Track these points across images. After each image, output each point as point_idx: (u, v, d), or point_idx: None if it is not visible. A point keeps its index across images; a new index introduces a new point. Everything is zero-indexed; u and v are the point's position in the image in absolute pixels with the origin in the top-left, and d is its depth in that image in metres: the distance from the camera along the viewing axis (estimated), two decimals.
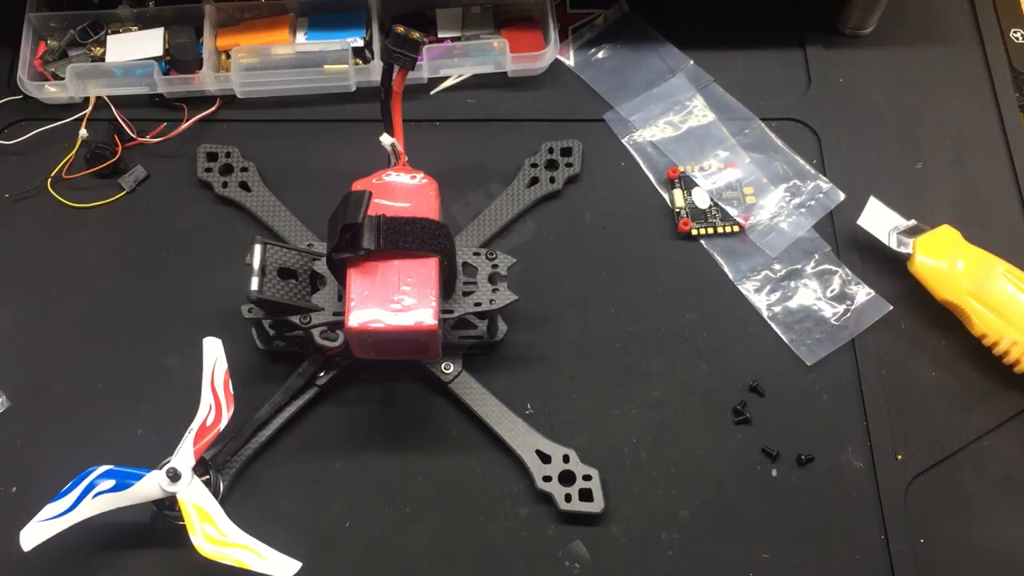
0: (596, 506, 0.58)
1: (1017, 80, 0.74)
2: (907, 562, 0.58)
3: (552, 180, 0.69)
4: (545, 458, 0.59)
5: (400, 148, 0.60)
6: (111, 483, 0.53)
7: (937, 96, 0.73)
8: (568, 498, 0.58)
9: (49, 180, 0.68)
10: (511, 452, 0.60)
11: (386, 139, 0.59)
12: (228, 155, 0.69)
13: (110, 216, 0.68)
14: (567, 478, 0.59)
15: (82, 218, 0.68)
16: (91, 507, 0.53)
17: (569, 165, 0.69)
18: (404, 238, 0.55)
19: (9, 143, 0.69)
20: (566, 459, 0.59)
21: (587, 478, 0.59)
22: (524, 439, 0.60)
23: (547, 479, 0.59)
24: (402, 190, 0.58)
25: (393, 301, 0.54)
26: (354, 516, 0.59)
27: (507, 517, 0.59)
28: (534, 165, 0.69)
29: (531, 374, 0.63)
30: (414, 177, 0.59)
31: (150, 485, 0.53)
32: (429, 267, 0.55)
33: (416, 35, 0.56)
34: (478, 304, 0.58)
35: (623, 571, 0.58)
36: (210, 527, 0.53)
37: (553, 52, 0.72)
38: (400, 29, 0.56)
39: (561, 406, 0.62)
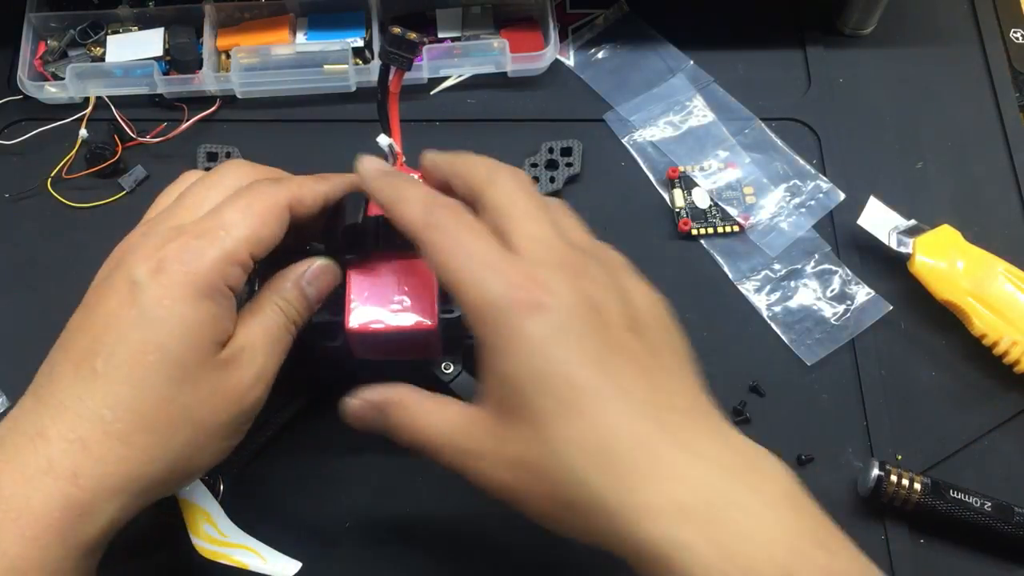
0: None
1: (1017, 80, 0.74)
2: (907, 562, 0.58)
3: (552, 180, 0.69)
4: None
5: (398, 149, 0.60)
6: None
7: (937, 96, 0.73)
8: None
9: (49, 180, 0.68)
10: None
11: (383, 140, 0.59)
12: (228, 155, 0.69)
13: (110, 216, 0.68)
14: None
15: (82, 218, 0.68)
16: None
17: (569, 165, 0.69)
18: (404, 238, 0.55)
19: (9, 143, 0.69)
20: None
21: None
22: None
23: None
24: None
25: (393, 301, 0.54)
26: (354, 516, 0.59)
27: (508, 517, 0.59)
28: (534, 165, 0.69)
29: None
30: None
31: None
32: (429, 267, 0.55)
33: (413, 36, 0.56)
34: None
35: (624, 571, 0.58)
36: (210, 527, 0.53)
37: (553, 52, 0.72)
38: (396, 30, 0.56)
39: None
